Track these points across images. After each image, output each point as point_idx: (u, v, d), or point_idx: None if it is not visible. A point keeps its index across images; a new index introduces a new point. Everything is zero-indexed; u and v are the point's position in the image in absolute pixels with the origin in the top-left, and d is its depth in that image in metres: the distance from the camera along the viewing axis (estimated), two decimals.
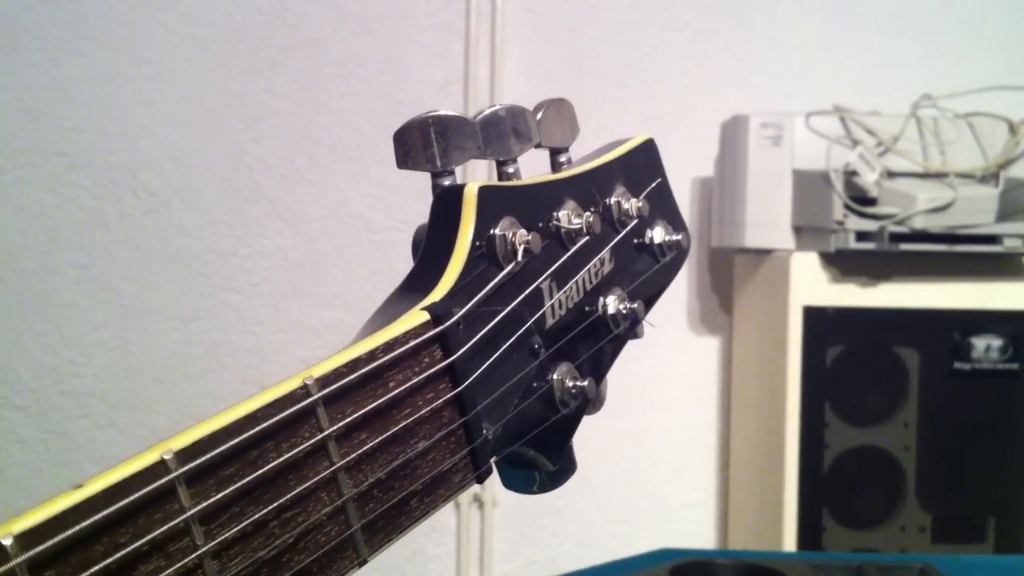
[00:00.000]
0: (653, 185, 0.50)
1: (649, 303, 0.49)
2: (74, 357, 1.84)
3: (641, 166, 0.50)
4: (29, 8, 1.80)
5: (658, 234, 0.50)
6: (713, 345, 2.01)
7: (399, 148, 0.40)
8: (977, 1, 2.03)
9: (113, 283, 1.85)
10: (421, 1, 1.90)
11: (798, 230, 1.77)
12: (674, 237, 0.50)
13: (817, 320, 1.72)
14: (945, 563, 1.00)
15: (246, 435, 0.30)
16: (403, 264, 1.68)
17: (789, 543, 1.73)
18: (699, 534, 2.01)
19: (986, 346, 1.72)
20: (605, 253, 0.46)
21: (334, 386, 0.32)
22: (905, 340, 1.74)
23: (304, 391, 0.32)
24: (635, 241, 0.49)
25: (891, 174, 1.73)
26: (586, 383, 0.43)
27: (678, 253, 0.51)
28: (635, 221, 0.48)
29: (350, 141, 1.89)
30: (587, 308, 0.45)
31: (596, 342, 0.46)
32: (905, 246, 1.67)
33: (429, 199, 1.71)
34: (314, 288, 1.89)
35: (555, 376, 0.42)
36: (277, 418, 0.31)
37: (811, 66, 1.99)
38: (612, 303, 0.46)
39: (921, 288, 1.74)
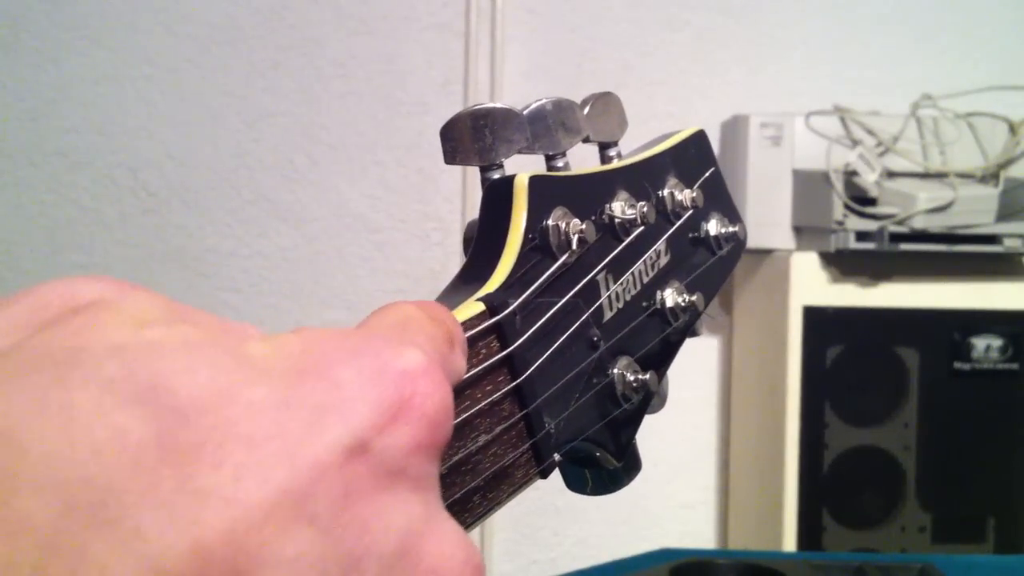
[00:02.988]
0: (707, 175, 0.49)
1: (708, 297, 0.48)
2: None
3: (692, 157, 0.49)
4: (29, 8, 1.80)
5: (713, 226, 0.49)
6: (713, 345, 2.01)
7: (447, 143, 0.39)
8: (977, 1, 2.03)
9: None
10: (421, 1, 1.90)
11: (798, 230, 1.77)
12: (730, 229, 0.49)
13: (817, 320, 1.72)
14: (945, 563, 1.00)
15: None
16: (403, 264, 1.68)
17: (789, 543, 1.73)
18: (699, 534, 2.01)
19: (986, 346, 1.72)
20: (661, 245, 0.45)
21: None
22: (905, 340, 1.74)
23: None
24: (691, 235, 0.48)
25: (891, 174, 1.73)
26: (647, 376, 0.42)
27: (735, 245, 0.50)
28: (690, 212, 0.47)
29: (350, 141, 1.89)
30: (644, 302, 0.44)
31: (655, 336, 0.45)
32: (905, 246, 1.67)
33: (428, 199, 1.72)
34: (314, 288, 1.89)
35: (615, 370, 0.42)
36: None
37: (811, 66, 1.99)
38: (670, 296, 0.45)
39: (921, 288, 1.73)
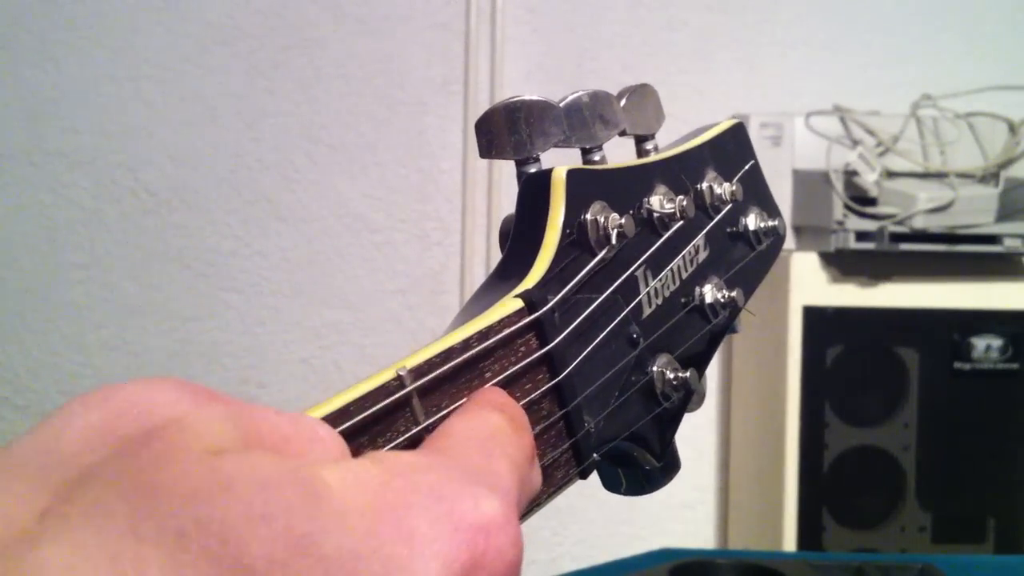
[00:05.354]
0: (746, 168, 0.48)
1: (748, 292, 0.47)
2: (74, 357, 1.84)
3: (731, 150, 0.48)
4: (29, 8, 1.80)
5: (752, 220, 0.48)
6: None
7: (482, 137, 0.38)
8: (977, 1, 2.03)
9: (113, 283, 1.85)
10: (421, 1, 1.90)
11: (798, 230, 1.77)
12: (769, 223, 0.48)
13: (817, 320, 1.72)
14: (945, 563, 1.00)
15: (339, 429, 0.28)
16: (403, 264, 1.68)
17: (789, 543, 1.72)
18: (699, 534, 2.01)
19: (986, 346, 1.72)
20: (700, 240, 0.44)
21: (428, 376, 0.31)
22: (905, 340, 1.74)
23: (398, 382, 0.30)
24: (729, 230, 0.47)
25: (891, 174, 1.73)
26: (688, 374, 0.41)
27: (775, 240, 0.49)
28: (729, 206, 0.46)
29: (350, 141, 1.89)
30: (684, 298, 0.43)
31: (695, 333, 0.44)
32: (905, 246, 1.67)
33: (428, 199, 1.71)
34: (314, 288, 1.89)
35: (655, 367, 0.41)
36: (371, 411, 0.29)
37: (811, 66, 1.99)
38: (709, 292, 0.44)
39: (921, 288, 1.74)
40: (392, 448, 0.30)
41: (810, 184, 1.74)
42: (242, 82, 1.86)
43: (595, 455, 0.37)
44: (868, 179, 1.69)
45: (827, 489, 1.74)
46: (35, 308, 1.83)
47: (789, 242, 1.77)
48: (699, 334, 0.44)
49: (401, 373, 0.30)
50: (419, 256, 1.91)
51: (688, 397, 0.43)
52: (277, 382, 1.89)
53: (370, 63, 1.89)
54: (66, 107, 1.82)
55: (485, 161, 1.86)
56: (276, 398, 1.85)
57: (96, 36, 1.82)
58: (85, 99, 1.83)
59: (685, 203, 0.41)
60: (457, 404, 0.32)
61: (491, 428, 0.29)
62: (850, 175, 1.70)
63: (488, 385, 0.33)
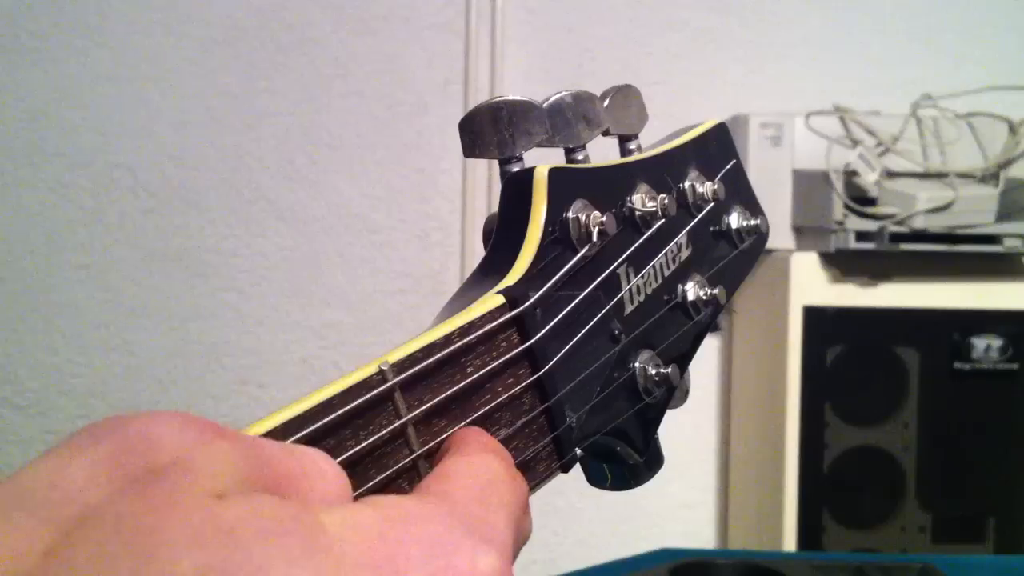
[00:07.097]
0: (728, 167, 0.49)
1: (730, 290, 0.47)
2: (74, 357, 1.84)
3: (714, 149, 0.49)
4: (29, 8, 1.80)
5: (735, 219, 0.48)
6: (713, 345, 2.01)
7: (466, 136, 0.39)
8: (977, 1, 2.03)
9: (113, 283, 1.85)
10: (421, 1, 1.90)
11: (798, 230, 1.77)
12: (752, 222, 0.49)
13: (817, 320, 1.71)
14: (945, 563, 1.00)
15: (322, 422, 0.29)
16: (403, 264, 1.68)
17: (789, 543, 1.72)
18: (699, 534, 2.01)
19: (986, 346, 1.72)
20: (682, 238, 0.45)
21: (410, 371, 0.31)
22: (905, 340, 1.74)
23: (380, 377, 0.31)
24: (712, 228, 0.47)
25: (891, 174, 1.73)
26: (670, 370, 0.42)
27: (757, 238, 0.50)
28: (711, 204, 0.46)
29: (350, 141, 1.89)
30: (666, 295, 0.44)
31: (677, 330, 0.45)
32: (905, 246, 1.67)
33: (428, 199, 1.72)
34: (314, 288, 1.89)
35: (637, 363, 0.41)
36: (353, 405, 0.30)
37: (811, 66, 1.99)
38: (692, 289, 0.45)
39: (921, 288, 1.73)
40: (374, 441, 0.30)
41: (810, 184, 1.74)
42: (242, 82, 1.86)
43: (577, 449, 0.38)
44: (868, 179, 1.69)
45: (827, 489, 1.74)
46: (35, 308, 1.83)
47: (789, 242, 1.77)
48: (682, 331, 0.45)
49: (383, 368, 0.30)
50: (419, 256, 1.91)
51: (671, 393, 0.43)
52: (277, 382, 1.89)
53: (370, 63, 1.89)
54: (66, 107, 1.82)
55: (485, 162, 1.86)
56: (276, 398, 1.85)
57: (96, 36, 1.82)
58: (85, 99, 1.83)
59: (667, 201, 0.42)
60: (439, 398, 0.32)
61: (490, 474, 0.29)
62: (850, 175, 1.70)
63: (469, 381, 0.33)
